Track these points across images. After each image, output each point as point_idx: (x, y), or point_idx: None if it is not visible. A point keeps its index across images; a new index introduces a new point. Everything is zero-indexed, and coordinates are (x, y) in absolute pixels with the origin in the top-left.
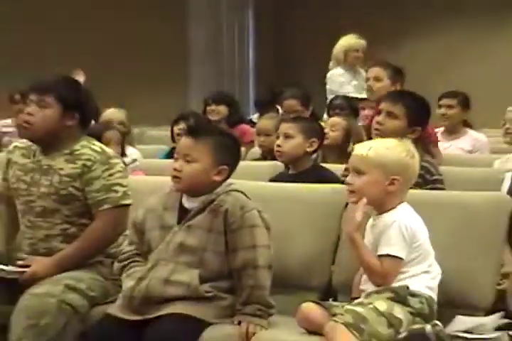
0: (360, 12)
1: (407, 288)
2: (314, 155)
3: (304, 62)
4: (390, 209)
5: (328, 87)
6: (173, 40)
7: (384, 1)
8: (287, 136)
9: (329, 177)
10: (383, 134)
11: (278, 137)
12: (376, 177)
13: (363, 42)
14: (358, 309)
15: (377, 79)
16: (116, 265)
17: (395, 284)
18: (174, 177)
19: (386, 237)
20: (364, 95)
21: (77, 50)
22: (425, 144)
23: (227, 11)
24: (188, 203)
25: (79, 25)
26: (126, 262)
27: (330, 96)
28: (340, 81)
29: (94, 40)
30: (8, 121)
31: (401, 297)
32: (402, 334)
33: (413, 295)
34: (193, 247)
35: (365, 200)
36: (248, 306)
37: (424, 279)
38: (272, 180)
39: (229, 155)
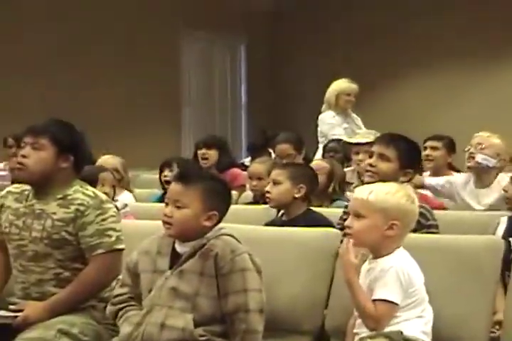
0: (355, 54)
1: (401, 333)
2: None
3: (296, 106)
4: (387, 254)
5: (319, 128)
6: (166, 83)
7: (384, 44)
8: (275, 183)
9: (322, 222)
10: (376, 176)
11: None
12: (375, 222)
13: (354, 86)
14: None
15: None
16: (110, 308)
17: (388, 328)
18: (165, 222)
19: (382, 282)
20: (357, 139)
21: (70, 93)
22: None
23: (220, 54)
24: (180, 248)
25: (73, 71)
26: (121, 306)
27: (321, 139)
28: (331, 123)
29: (90, 84)
30: (1, 165)
31: (394, 340)
32: None
33: (407, 340)
34: (186, 292)
35: (351, 241)
36: None
37: (418, 324)
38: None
39: (219, 201)
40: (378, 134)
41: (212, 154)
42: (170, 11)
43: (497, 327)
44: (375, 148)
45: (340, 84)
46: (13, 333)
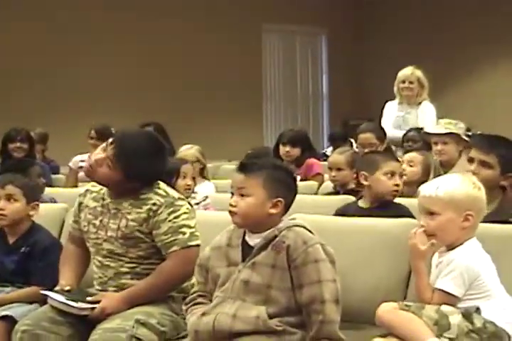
0: (436, 39)
1: (477, 308)
2: None
3: (377, 96)
4: (458, 246)
5: None
6: (248, 76)
7: (466, 30)
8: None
9: (405, 213)
10: None
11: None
12: (450, 216)
13: (408, 73)
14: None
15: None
16: (184, 307)
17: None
18: (230, 212)
19: (446, 272)
20: (436, 130)
21: (157, 89)
22: None
23: (301, 45)
24: (250, 240)
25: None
26: (190, 305)
27: None
28: (385, 111)
29: (175, 79)
30: (86, 155)
31: (467, 312)
32: None
33: (482, 317)
34: (259, 285)
35: (421, 229)
36: None
37: (503, 314)
38: (339, 212)
39: (283, 188)
40: (461, 124)
41: (295, 152)
42: (250, 6)
43: None
44: (474, 154)
45: (400, 72)
46: (91, 324)
